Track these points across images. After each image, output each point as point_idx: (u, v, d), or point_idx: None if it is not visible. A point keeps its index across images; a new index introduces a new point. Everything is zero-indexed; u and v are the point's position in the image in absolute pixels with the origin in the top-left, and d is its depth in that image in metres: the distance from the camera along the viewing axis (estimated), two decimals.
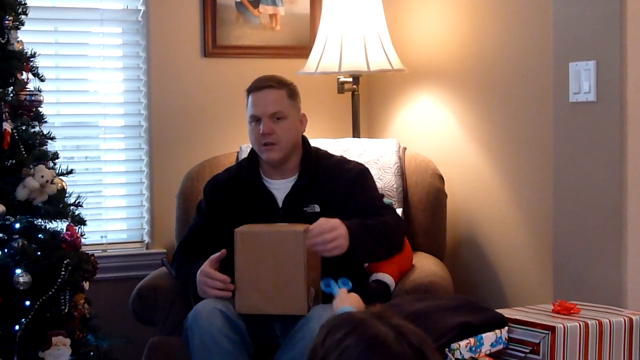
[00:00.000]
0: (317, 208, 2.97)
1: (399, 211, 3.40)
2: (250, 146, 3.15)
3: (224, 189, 3.08)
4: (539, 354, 2.48)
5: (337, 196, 2.97)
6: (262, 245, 2.81)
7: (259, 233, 2.84)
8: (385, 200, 3.41)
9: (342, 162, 3.08)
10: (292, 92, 3.04)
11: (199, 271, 2.89)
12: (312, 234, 2.75)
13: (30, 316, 2.80)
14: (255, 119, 3.00)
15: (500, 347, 2.53)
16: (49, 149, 3.00)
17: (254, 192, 3.03)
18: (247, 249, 2.82)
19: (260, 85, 3.02)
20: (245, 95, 3.05)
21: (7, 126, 2.81)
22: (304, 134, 3.11)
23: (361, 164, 3.11)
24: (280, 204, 3.00)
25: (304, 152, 3.07)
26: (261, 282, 2.79)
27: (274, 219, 2.96)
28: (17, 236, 2.84)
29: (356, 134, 3.80)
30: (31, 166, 2.86)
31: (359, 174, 3.03)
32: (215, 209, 3.06)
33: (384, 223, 2.90)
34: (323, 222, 2.77)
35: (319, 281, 2.89)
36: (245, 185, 3.05)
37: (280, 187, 3.02)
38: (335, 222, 2.78)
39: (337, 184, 2.99)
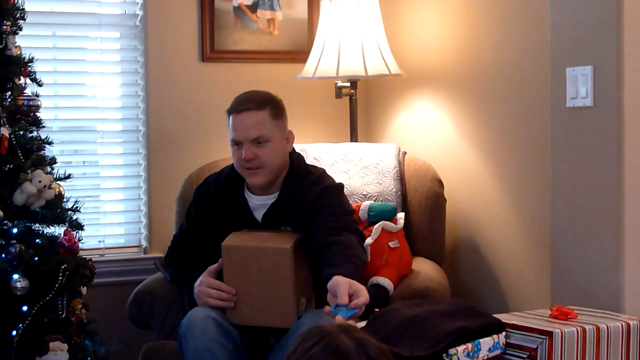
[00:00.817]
0: (289, 229, 2.90)
1: (400, 215, 3.39)
2: None
3: (210, 195, 3.02)
4: (536, 359, 2.47)
5: (302, 216, 2.87)
6: (249, 260, 2.79)
7: (245, 248, 2.80)
8: (386, 204, 3.40)
9: (314, 182, 2.92)
10: (275, 112, 2.87)
11: (199, 282, 2.86)
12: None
13: (27, 321, 2.80)
14: (237, 143, 2.86)
15: (498, 352, 2.52)
16: (46, 154, 3.00)
17: (235, 206, 2.97)
18: (234, 263, 2.80)
19: (241, 108, 2.85)
20: (226, 116, 2.90)
21: (5, 131, 2.81)
22: (296, 149, 3.01)
23: (330, 183, 2.95)
24: (259, 220, 2.94)
25: (288, 172, 2.93)
26: (250, 295, 2.79)
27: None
28: (14, 241, 2.83)
29: (354, 138, 3.80)
30: (29, 171, 2.86)
31: (320, 193, 2.88)
32: (201, 216, 3.03)
33: (351, 245, 2.73)
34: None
35: (311, 286, 2.89)
36: (228, 196, 2.99)
37: (261, 203, 2.94)
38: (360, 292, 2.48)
39: (303, 204, 2.87)
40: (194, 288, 2.88)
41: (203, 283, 2.85)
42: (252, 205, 2.95)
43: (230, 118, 2.88)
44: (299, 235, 2.85)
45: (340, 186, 2.97)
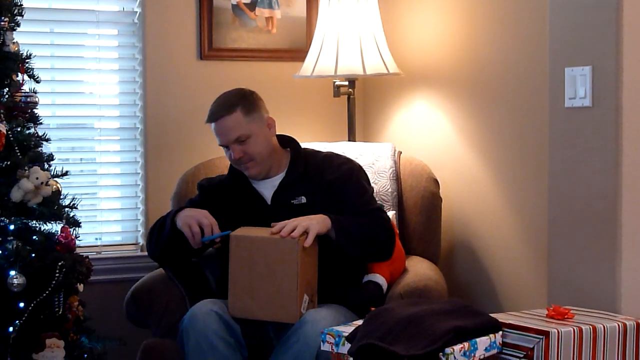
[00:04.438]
0: (303, 199, 3.04)
1: (392, 214, 3.39)
2: None
3: (217, 189, 3.17)
4: (532, 359, 2.47)
5: (324, 189, 3.04)
6: (256, 251, 2.81)
7: (253, 239, 2.84)
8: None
9: (330, 158, 3.14)
10: (247, 109, 3.03)
11: (199, 210, 2.99)
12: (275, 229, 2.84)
13: (24, 318, 2.80)
14: (224, 145, 3.06)
15: (494, 351, 2.52)
16: (44, 151, 3.00)
17: (244, 195, 3.11)
18: (241, 254, 2.82)
19: (214, 117, 3.04)
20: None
21: (2, 127, 2.81)
22: (293, 136, 3.20)
23: (351, 161, 3.16)
24: (269, 201, 3.08)
25: (293, 153, 3.13)
26: (254, 288, 2.80)
27: (264, 215, 3.00)
28: (11, 238, 2.84)
29: (352, 137, 3.80)
30: (26, 168, 2.86)
31: (348, 173, 3.07)
32: (208, 204, 3.08)
33: (371, 224, 2.99)
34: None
35: (315, 286, 2.89)
36: (234, 189, 3.13)
37: (267, 186, 3.10)
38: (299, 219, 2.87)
39: (325, 179, 3.05)
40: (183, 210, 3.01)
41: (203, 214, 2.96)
42: (260, 190, 3.10)
43: (211, 126, 3.07)
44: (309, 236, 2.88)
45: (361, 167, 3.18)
